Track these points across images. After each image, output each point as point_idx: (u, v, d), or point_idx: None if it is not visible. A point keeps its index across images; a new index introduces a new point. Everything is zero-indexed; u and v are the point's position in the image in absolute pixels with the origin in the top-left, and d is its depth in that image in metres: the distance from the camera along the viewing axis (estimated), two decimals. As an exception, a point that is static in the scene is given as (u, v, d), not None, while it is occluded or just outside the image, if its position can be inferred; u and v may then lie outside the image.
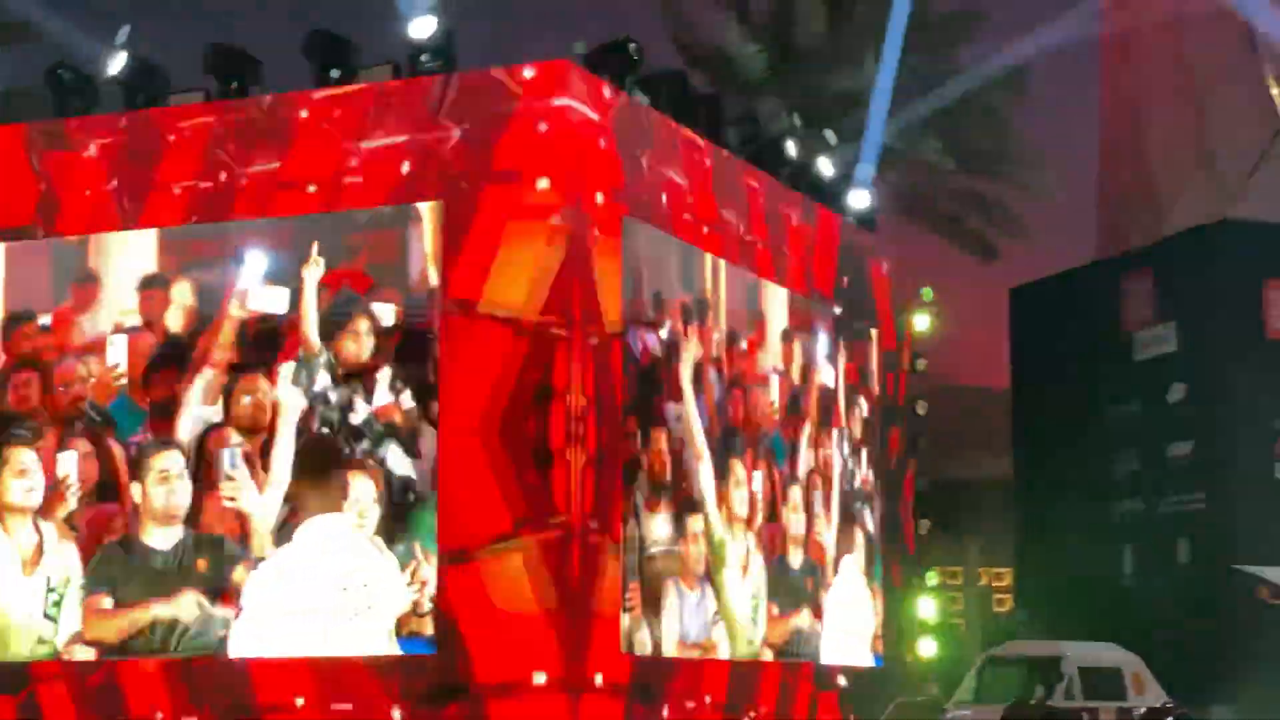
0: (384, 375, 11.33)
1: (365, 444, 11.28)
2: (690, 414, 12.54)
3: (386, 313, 11.41)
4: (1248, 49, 27.01)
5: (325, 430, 11.39)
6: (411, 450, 11.16)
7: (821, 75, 22.34)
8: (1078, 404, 22.94)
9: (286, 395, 11.44)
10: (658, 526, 12.03)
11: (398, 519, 11.14)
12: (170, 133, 12.03)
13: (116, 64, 12.40)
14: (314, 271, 11.51)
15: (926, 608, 16.47)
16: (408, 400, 11.22)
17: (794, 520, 14.07)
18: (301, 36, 11.94)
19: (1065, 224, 28.48)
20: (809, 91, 22.08)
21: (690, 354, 12.65)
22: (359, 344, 11.39)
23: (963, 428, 24.48)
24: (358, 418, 11.32)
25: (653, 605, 11.85)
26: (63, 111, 12.57)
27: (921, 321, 16.92)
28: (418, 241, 11.37)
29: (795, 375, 14.42)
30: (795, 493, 14.10)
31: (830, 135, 15.60)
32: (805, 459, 14.37)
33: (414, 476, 11.14)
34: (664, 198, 12.26)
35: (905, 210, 22.59)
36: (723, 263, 13.24)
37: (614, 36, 11.97)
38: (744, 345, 13.62)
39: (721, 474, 12.93)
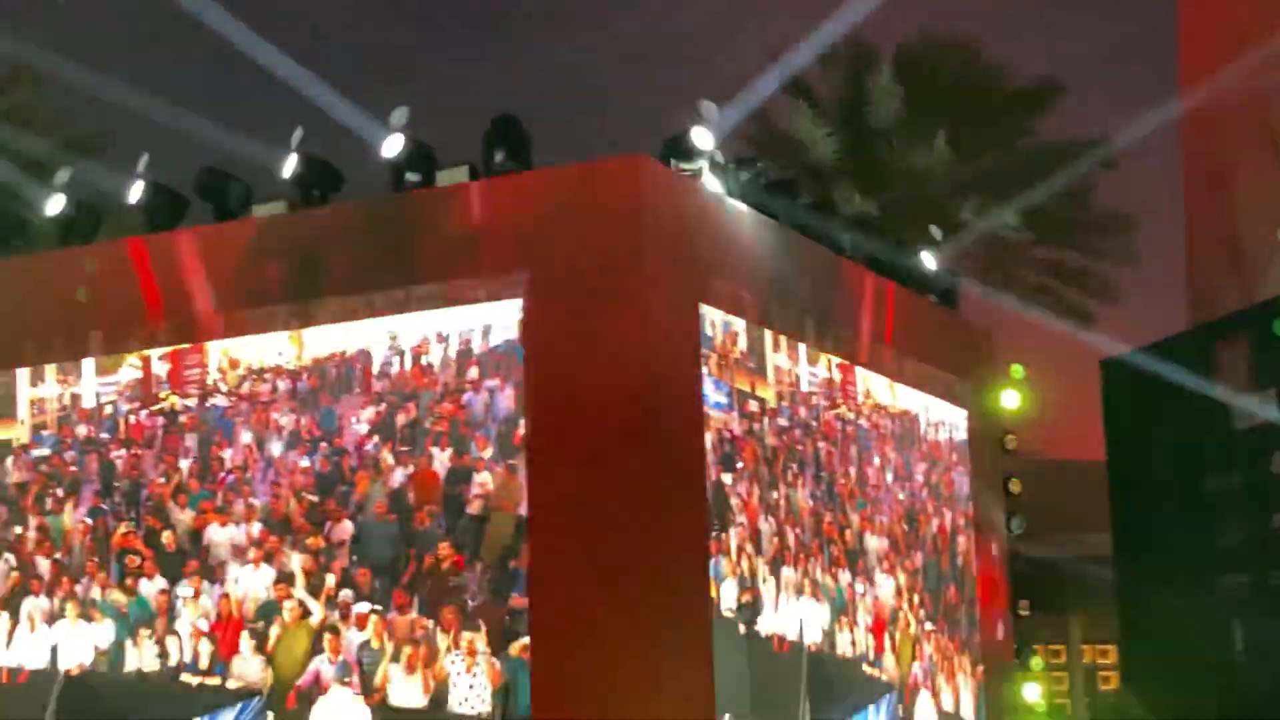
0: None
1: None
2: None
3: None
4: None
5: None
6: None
7: (892, 155, 22.24)
8: (1176, 476, 22.48)
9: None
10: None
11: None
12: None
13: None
14: None
15: (1031, 692, 16.11)
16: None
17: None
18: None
19: (1155, 293, 28.13)
20: (880, 171, 22.01)
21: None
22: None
23: (1059, 504, 24.04)
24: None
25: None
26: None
27: (1011, 399, 16.68)
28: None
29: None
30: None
31: (936, 231, 15.46)
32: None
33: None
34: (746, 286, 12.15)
35: (990, 285, 22.36)
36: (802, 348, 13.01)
37: (684, 128, 11.94)
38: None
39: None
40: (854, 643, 12.66)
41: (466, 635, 10.55)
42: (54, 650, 11.83)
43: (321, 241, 11.88)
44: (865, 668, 12.80)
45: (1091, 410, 24.33)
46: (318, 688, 10.96)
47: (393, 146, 11.70)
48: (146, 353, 12.11)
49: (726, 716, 10.83)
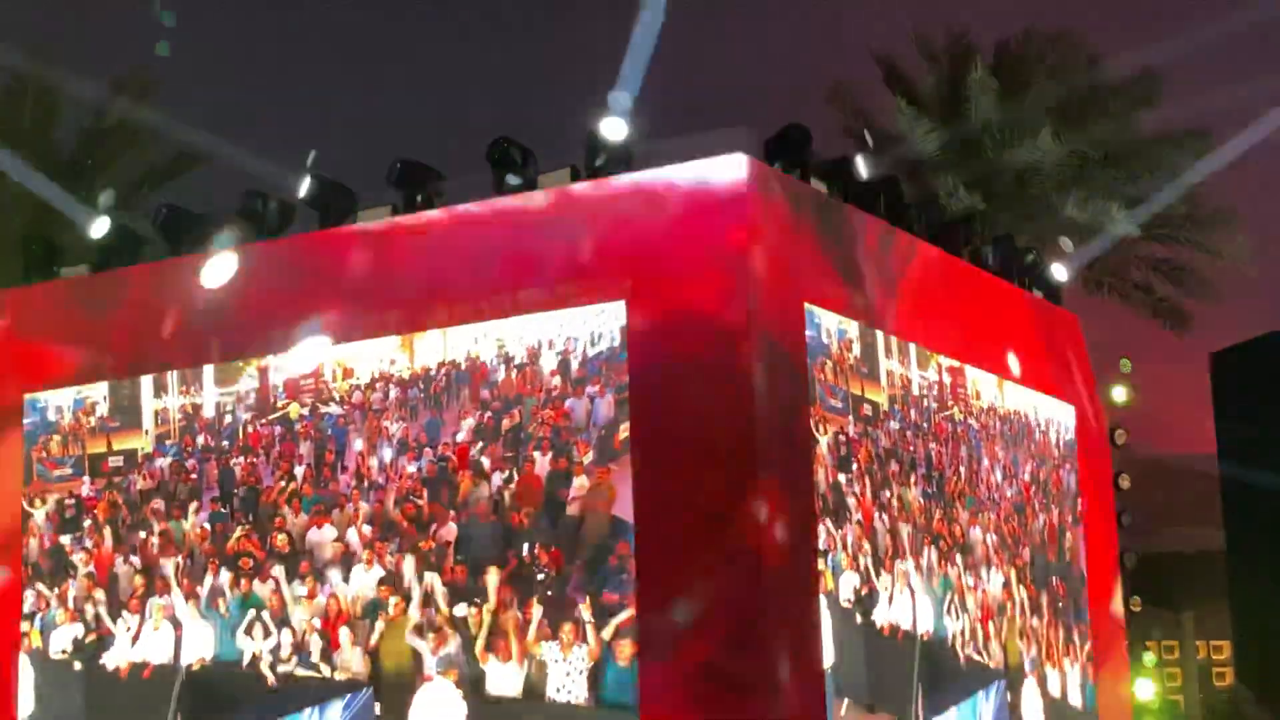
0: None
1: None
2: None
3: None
4: None
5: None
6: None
7: (996, 151, 22.11)
8: (1286, 467, 22.16)
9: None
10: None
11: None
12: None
13: (305, 187, 12.69)
14: None
15: (1144, 689, 15.99)
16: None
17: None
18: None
19: (1263, 286, 27.73)
20: (984, 168, 21.89)
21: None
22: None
23: (1169, 499, 23.83)
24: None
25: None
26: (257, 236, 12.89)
27: (1120, 394, 16.57)
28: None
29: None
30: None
31: (1066, 243, 15.42)
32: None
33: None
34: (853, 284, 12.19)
35: (1094, 283, 22.16)
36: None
37: (787, 125, 11.96)
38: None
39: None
40: (964, 632, 12.85)
41: (564, 626, 10.90)
42: (176, 646, 12.31)
43: (428, 246, 12.07)
44: (974, 656, 13.00)
45: (1203, 404, 24.08)
46: (420, 678, 11.34)
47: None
48: (264, 363, 12.42)
49: (846, 701, 11.11)
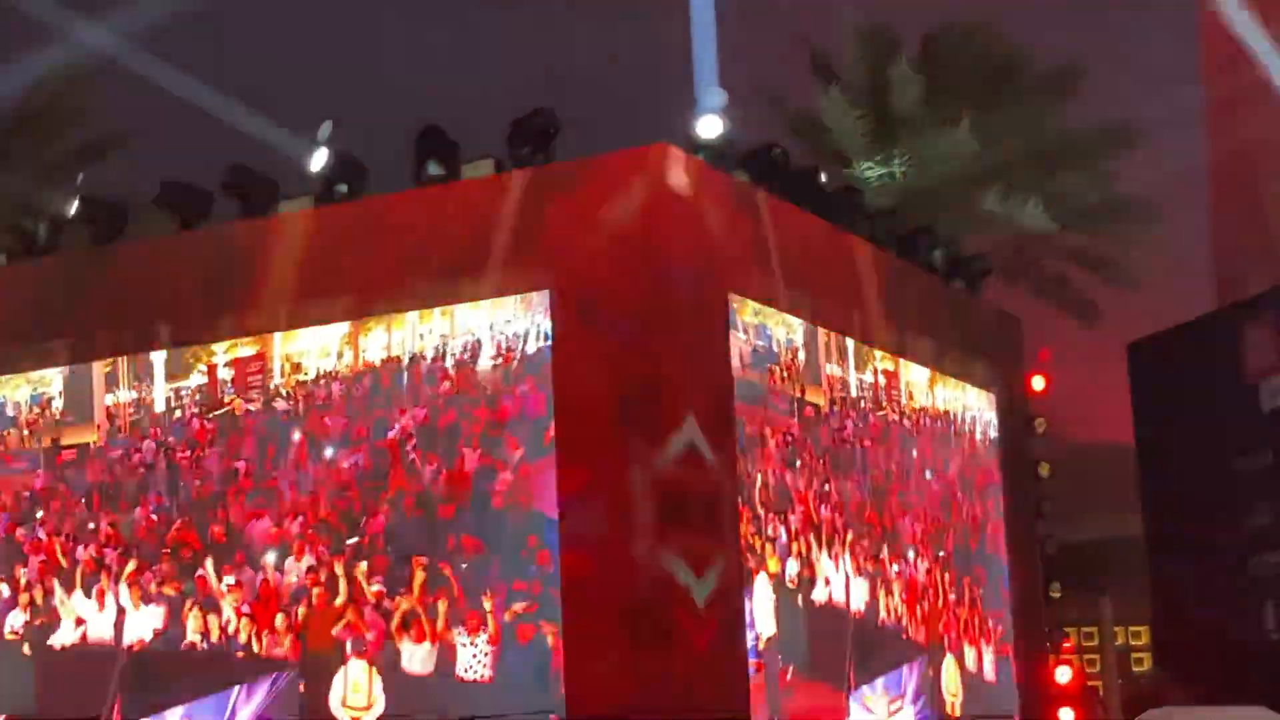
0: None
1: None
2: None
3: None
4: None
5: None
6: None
7: (917, 141, 22.24)
8: (1205, 457, 22.46)
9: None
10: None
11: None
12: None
13: (319, 160, 12.54)
14: None
15: (1063, 674, 16.18)
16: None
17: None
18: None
19: (1180, 276, 28.13)
20: (908, 156, 22.01)
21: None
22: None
23: (1087, 487, 24.09)
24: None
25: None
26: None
27: (1038, 382, 16.74)
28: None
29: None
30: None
31: None
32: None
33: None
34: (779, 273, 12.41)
35: (1009, 273, 22.30)
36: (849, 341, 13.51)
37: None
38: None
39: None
40: (890, 612, 13.65)
41: (473, 612, 11.44)
42: (118, 629, 12.71)
43: (349, 236, 12.15)
44: (900, 634, 13.81)
45: (1120, 393, 24.36)
46: (339, 659, 11.83)
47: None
48: (214, 360, 12.67)
49: (791, 668, 12.04)
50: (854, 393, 13.55)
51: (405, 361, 11.99)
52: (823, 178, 13.82)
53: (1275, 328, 21.82)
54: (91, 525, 12.90)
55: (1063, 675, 16.14)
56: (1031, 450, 16.44)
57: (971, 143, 20.14)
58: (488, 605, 11.32)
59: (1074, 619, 21.43)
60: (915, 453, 14.46)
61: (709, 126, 11.94)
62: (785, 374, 12.50)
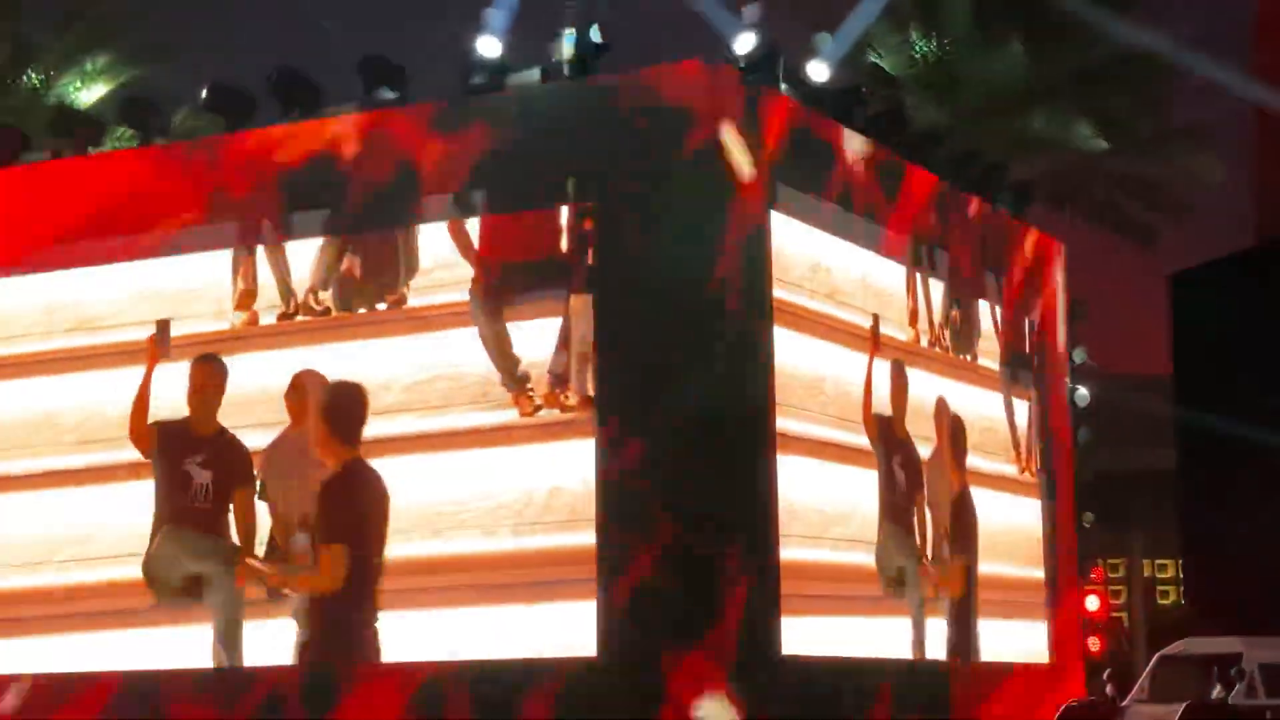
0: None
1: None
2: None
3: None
4: None
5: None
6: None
7: (965, 64, 21.99)
8: (1241, 391, 22.33)
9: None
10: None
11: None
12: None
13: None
14: None
15: (1091, 603, 16.20)
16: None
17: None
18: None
19: (1224, 208, 27.80)
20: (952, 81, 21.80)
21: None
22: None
23: (1124, 417, 24.01)
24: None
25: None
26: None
27: (1081, 311, 16.62)
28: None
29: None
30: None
31: None
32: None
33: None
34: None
35: (1057, 198, 22.09)
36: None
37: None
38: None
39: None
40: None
41: None
42: None
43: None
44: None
45: (1160, 324, 24.21)
46: None
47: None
48: None
49: None
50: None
51: None
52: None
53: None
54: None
55: (1091, 603, 16.15)
56: (1071, 379, 16.31)
57: (1021, 64, 19.89)
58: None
59: (1103, 549, 21.34)
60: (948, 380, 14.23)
61: (744, 43, 11.73)
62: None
